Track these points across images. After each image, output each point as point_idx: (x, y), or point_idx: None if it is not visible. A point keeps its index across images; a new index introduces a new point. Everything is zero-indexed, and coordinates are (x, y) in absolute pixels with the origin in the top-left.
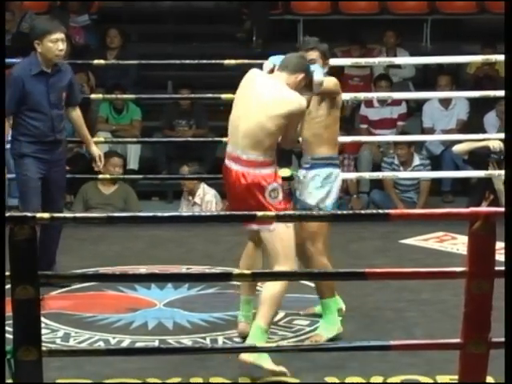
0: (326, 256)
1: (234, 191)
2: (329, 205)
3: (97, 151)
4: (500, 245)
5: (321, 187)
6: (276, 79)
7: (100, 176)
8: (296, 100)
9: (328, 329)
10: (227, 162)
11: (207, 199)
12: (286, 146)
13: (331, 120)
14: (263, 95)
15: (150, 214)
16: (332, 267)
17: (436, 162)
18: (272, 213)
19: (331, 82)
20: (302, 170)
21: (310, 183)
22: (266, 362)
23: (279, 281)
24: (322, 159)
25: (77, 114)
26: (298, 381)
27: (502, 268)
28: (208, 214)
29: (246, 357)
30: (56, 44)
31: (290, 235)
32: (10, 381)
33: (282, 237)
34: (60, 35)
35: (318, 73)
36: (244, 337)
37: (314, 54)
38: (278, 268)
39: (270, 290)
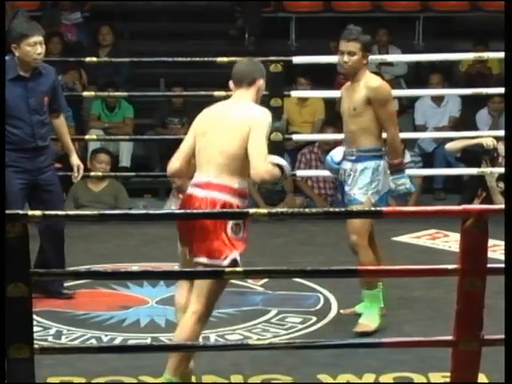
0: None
1: (194, 222)
2: (377, 200)
3: (76, 162)
4: (492, 242)
5: (370, 182)
6: (237, 99)
7: (92, 174)
8: (258, 111)
9: (373, 319)
10: (191, 190)
11: None
12: (253, 175)
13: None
14: (229, 118)
15: (143, 212)
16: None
17: (428, 160)
18: (264, 210)
19: (388, 92)
20: (347, 162)
21: (360, 178)
22: None
23: (198, 328)
24: (368, 151)
25: (60, 121)
26: (290, 378)
27: (495, 265)
28: (201, 211)
29: None
30: (34, 47)
31: (223, 284)
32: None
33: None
34: (38, 38)
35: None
36: None
37: (354, 46)
38: (193, 307)
39: (186, 335)
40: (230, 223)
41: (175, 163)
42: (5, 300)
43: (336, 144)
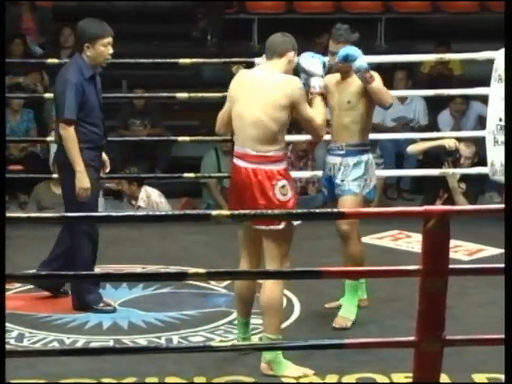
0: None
1: (241, 189)
2: (367, 192)
3: (106, 157)
4: (454, 243)
5: (363, 175)
6: (268, 68)
7: (54, 176)
8: (290, 81)
9: (351, 311)
10: (235, 160)
11: (154, 200)
12: (315, 138)
13: (371, 107)
14: (261, 87)
15: (105, 214)
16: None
17: (393, 161)
18: (228, 212)
19: (380, 79)
20: (336, 157)
21: (353, 171)
22: (288, 371)
23: (276, 284)
24: (357, 146)
25: None
26: (252, 380)
27: (456, 266)
28: (163, 213)
29: (265, 370)
30: (107, 48)
31: (292, 234)
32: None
33: (286, 236)
34: (110, 39)
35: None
36: None
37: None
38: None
39: (267, 297)
40: (278, 187)
41: (217, 129)
42: (4, 299)
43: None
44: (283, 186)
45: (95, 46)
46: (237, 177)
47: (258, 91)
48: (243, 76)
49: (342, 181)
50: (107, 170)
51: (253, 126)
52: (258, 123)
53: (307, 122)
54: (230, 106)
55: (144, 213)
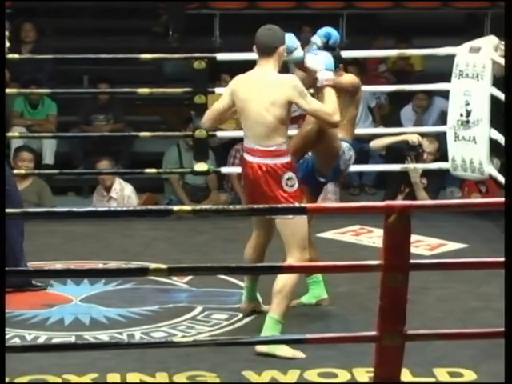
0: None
1: (251, 183)
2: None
3: None
4: (415, 238)
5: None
6: (263, 69)
7: (14, 172)
8: (285, 79)
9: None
10: (245, 155)
11: (127, 194)
12: (328, 125)
13: (349, 116)
14: (263, 93)
15: (67, 210)
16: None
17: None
18: (189, 207)
19: (348, 78)
20: None
21: None
22: (280, 350)
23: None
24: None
25: None
26: (215, 375)
27: (417, 261)
28: (125, 209)
29: (260, 348)
30: None
31: (305, 224)
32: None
33: (297, 226)
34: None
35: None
36: (245, 314)
37: None
38: (291, 259)
39: (282, 281)
40: (284, 179)
41: (207, 123)
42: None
43: None
44: (289, 178)
45: None
46: (247, 171)
47: (261, 95)
48: (246, 80)
49: None
50: None
51: (259, 125)
52: (263, 122)
53: (315, 113)
54: (228, 104)
55: (105, 208)
